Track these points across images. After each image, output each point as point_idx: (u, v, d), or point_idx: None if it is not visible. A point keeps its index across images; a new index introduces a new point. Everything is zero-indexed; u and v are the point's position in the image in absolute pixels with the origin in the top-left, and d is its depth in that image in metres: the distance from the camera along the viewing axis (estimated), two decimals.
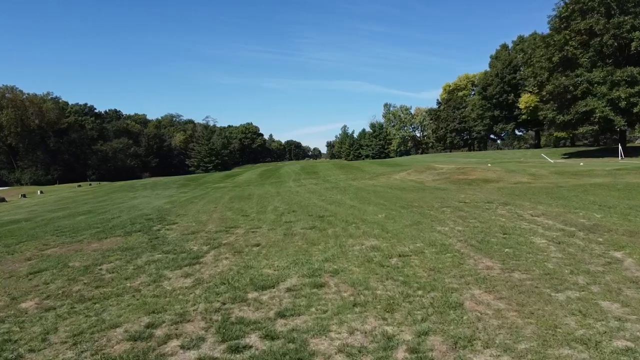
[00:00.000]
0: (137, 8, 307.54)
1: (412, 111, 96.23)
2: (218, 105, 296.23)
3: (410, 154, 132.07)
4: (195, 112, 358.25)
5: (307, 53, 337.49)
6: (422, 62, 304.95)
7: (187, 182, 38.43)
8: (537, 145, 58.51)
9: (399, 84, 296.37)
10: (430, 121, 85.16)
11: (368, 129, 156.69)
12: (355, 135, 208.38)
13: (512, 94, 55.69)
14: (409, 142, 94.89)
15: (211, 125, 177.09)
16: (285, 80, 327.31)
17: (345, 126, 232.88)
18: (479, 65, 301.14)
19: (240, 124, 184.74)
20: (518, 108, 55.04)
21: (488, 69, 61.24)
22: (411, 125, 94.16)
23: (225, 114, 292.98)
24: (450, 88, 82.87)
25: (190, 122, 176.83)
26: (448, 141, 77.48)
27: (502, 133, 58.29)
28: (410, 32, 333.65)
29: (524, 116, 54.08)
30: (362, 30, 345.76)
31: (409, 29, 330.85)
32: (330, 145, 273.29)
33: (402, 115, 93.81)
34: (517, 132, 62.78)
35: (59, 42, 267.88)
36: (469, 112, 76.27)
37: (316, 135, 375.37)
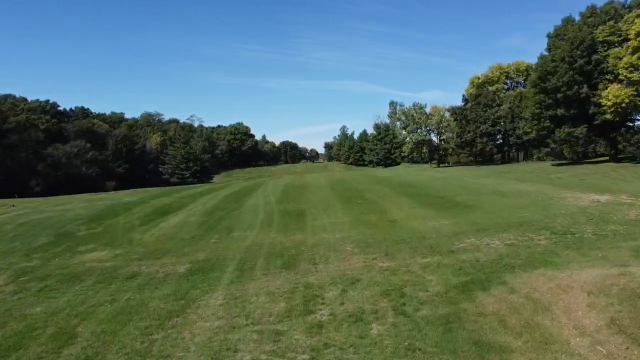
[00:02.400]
0: (137, 8, 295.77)
1: (427, 110, 79.82)
2: (215, 105, 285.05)
3: (410, 162, 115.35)
4: (192, 113, 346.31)
5: (307, 53, 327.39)
6: (422, 62, 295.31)
7: (79, 227, 22.02)
8: (616, 158, 42.12)
9: (398, 84, 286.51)
10: (454, 122, 68.74)
11: (371, 131, 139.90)
12: (356, 136, 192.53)
13: (586, 85, 39.42)
14: (423, 147, 78.58)
15: (197, 125, 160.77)
16: (284, 80, 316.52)
17: (344, 127, 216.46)
18: (478, 66, 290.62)
19: (230, 124, 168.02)
20: (596, 105, 38.68)
21: (545, 53, 44.87)
22: (426, 126, 77.75)
23: (222, 115, 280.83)
24: (480, 81, 66.50)
25: (174, 121, 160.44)
26: (478, 147, 61.09)
27: (569, 139, 41.74)
28: (410, 32, 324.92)
29: (607, 116, 37.76)
30: (362, 30, 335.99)
31: (409, 29, 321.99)
32: (328, 146, 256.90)
33: (415, 114, 77.40)
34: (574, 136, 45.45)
35: (56, 43, 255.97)
36: (505, 112, 59.91)
37: (314, 136, 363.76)
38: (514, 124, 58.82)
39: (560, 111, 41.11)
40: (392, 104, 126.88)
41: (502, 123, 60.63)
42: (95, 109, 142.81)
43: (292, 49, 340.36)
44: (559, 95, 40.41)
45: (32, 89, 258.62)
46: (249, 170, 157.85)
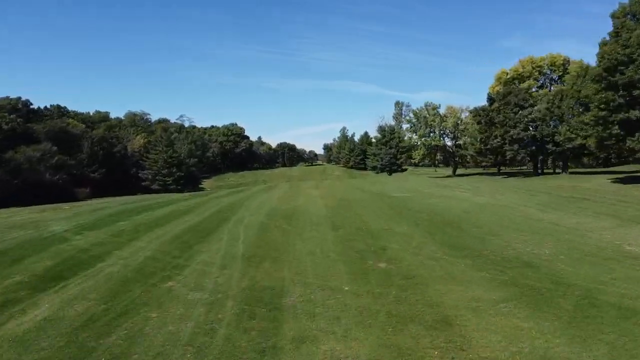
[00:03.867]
0: (134, 6, 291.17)
1: (441, 110, 69.92)
2: (210, 105, 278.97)
3: (413, 167, 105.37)
4: (188, 114, 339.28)
5: (306, 53, 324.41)
6: (422, 62, 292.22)
7: None
8: None
9: (398, 84, 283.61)
10: (474, 125, 58.69)
11: (373, 133, 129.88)
12: (357, 138, 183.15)
13: None
14: (437, 153, 68.68)
15: (187, 125, 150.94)
16: (282, 80, 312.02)
17: (344, 128, 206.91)
18: (478, 66, 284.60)
19: (223, 125, 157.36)
20: None
21: (607, 38, 34.98)
22: (441, 130, 67.84)
23: (217, 116, 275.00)
24: (508, 77, 56.66)
25: (164, 121, 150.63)
26: (507, 156, 51.20)
27: None
28: (410, 32, 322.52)
29: None
30: (361, 30, 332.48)
31: (408, 29, 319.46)
32: (327, 148, 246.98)
33: (428, 116, 67.43)
34: None
35: (46, 39, 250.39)
36: (542, 113, 49.97)
37: (312, 136, 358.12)
38: (552, 128, 48.95)
39: (634, 113, 31.11)
40: (398, 104, 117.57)
41: (536, 127, 50.73)
42: (83, 109, 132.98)
43: (292, 49, 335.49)
44: (635, 92, 30.42)
45: (27, 89, 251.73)
46: (242, 174, 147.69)
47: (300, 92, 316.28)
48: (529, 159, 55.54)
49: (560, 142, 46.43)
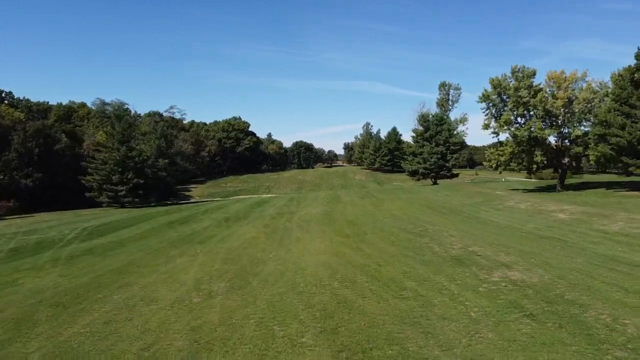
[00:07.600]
0: (155, 7, 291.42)
1: (538, 81, 42.02)
2: (223, 105, 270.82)
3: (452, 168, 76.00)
4: (194, 111, 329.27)
5: (321, 53, 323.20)
6: (437, 63, 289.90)
7: None
8: None
9: (413, 85, 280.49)
10: (623, 99, 30.26)
11: (407, 129, 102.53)
12: (382, 135, 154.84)
13: None
14: (535, 149, 40.91)
15: (179, 119, 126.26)
16: (298, 81, 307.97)
17: (368, 124, 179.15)
18: (497, 67, 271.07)
19: (223, 120, 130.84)
20: None
21: None
22: (544, 112, 39.96)
23: (225, 114, 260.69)
24: None
25: (155, 114, 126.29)
26: None
27: None
28: (425, 32, 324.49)
29: None
30: (376, 32, 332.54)
31: (423, 29, 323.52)
32: (348, 147, 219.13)
33: (523, 88, 39.78)
34: None
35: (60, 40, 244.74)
36: None
37: (330, 136, 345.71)
38: None
39: None
40: (444, 85, 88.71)
41: None
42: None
43: (305, 49, 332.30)
44: None
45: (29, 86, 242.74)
46: (245, 177, 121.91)
47: (319, 94, 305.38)
48: None
49: None
